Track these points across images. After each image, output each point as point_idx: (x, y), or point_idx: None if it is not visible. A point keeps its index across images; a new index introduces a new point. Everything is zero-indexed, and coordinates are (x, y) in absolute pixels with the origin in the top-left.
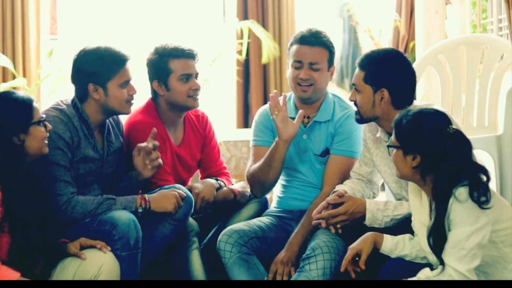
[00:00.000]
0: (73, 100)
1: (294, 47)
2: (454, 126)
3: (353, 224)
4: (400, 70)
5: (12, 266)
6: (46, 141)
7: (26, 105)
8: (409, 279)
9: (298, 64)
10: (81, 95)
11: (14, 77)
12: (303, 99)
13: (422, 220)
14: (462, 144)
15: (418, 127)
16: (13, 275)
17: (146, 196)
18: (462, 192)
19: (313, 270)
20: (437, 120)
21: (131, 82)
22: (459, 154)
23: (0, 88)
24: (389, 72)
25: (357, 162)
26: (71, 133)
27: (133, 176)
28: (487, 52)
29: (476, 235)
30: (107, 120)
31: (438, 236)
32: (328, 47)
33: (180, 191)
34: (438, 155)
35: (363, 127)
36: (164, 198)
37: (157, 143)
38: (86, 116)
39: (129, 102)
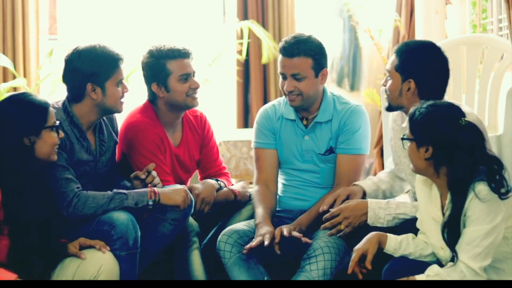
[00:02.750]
0: (63, 104)
1: (279, 57)
2: (467, 119)
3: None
4: (431, 64)
5: (11, 269)
6: (56, 148)
7: (41, 108)
8: (417, 276)
9: (282, 76)
10: (76, 95)
11: (14, 77)
12: (293, 107)
13: (432, 215)
14: (474, 135)
15: (430, 118)
16: (10, 277)
17: (155, 188)
18: (482, 188)
19: (314, 270)
20: (449, 112)
21: (123, 81)
22: (471, 145)
23: (0, 88)
24: (420, 64)
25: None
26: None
27: (128, 187)
28: (487, 52)
29: (492, 234)
30: (100, 119)
31: (452, 230)
32: (310, 55)
33: (186, 188)
34: (450, 146)
35: (369, 122)
36: (174, 191)
37: (150, 170)
38: (77, 120)
39: (121, 100)
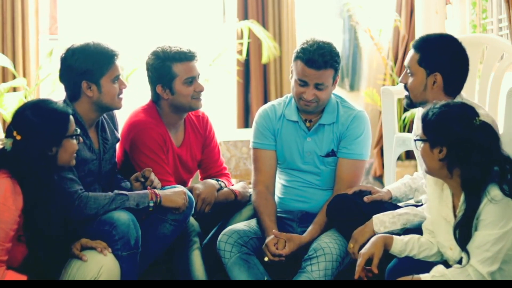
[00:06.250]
0: (64, 101)
1: (299, 64)
2: (481, 118)
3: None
4: (455, 55)
5: (22, 272)
6: (75, 154)
7: (63, 118)
8: (422, 276)
9: (303, 83)
10: (73, 94)
11: (14, 77)
12: (305, 111)
13: (443, 215)
14: (489, 135)
15: (444, 118)
16: (20, 278)
17: (156, 190)
18: (497, 194)
19: (315, 271)
20: (463, 111)
21: (120, 77)
22: (486, 145)
23: (0, 88)
24: (445, 56)
25: None
26: None
27: (128, 188)
28: (487, 52)
29: (503, 239)
30: (101, 117)
31: (465, 231)
32: (334, 66)
33: (186, 190)
34: (464, 146)
35: (370, 128)
36: (174, 193)
37: (147, 176)
38: (79, 117)
39: (119, 97)
